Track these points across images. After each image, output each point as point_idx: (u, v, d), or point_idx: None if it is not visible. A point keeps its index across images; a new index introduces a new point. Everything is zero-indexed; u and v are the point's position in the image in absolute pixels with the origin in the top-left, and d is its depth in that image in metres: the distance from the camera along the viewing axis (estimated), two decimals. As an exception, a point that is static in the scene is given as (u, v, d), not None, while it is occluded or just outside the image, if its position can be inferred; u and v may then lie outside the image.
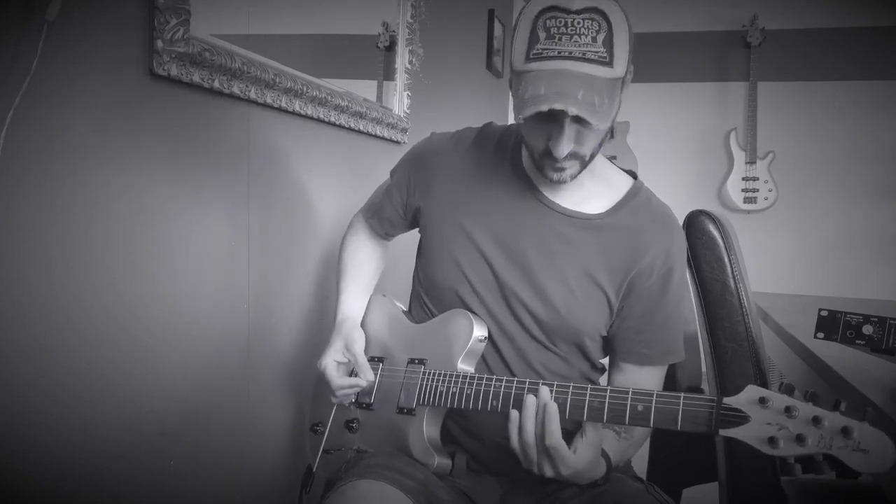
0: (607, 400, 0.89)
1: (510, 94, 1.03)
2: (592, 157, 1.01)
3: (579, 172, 1.02)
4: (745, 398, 0.80)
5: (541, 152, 0.99)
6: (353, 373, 1.14)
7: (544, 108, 0.89)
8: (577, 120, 0.92)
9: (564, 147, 0.95)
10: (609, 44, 0.91)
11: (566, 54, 0.90)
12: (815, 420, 0.75)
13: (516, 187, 1.09)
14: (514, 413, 0.92)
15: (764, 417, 0.78)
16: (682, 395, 0.85)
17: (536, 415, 0.91)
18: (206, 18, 1.15)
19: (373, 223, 1.26)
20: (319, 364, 1.14)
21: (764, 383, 1.17)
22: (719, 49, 3.69)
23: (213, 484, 1.31)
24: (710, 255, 1.18)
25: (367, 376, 1.12)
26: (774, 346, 1.55)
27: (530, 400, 0.91)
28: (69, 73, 0.94)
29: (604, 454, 0.98)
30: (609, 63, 0.91)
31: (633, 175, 1.13)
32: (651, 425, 0.86)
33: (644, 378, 1.10)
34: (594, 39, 0.90)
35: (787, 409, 0.77)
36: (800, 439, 0.75)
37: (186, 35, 1.08)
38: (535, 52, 0.92)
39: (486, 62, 3.00)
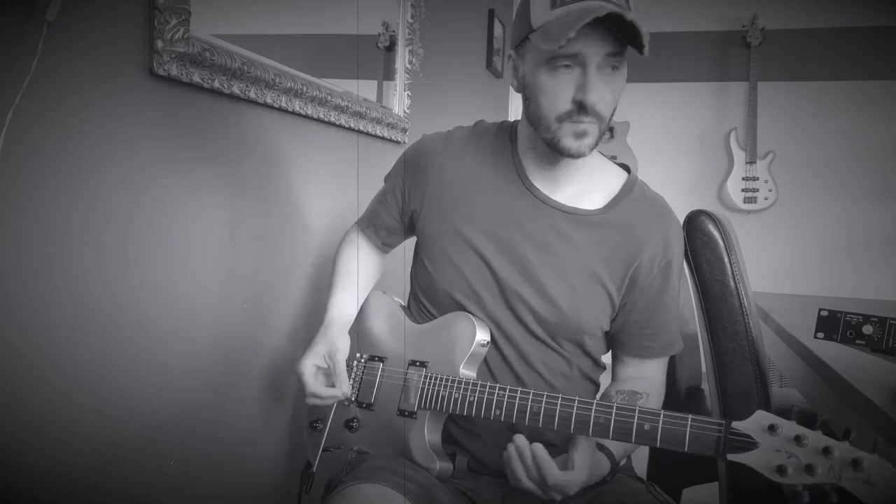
0: (613, 417, 0.88)
1: (514, 74, 1.03)
2: (606, 128, 0.99)
3: (596, 143, 0.99)
4: (754, 424, 0.79)
5: (565, 113, 0.96)
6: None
7: (602, 13, 0.87)
8: (604, 65, 0.93)
9: (597, 91, 0.93)
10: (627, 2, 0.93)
11: None
12: (826, 451, 0.74)
13: (512, 185, 1.09)
14: (506, 457, 0.92)
15: (773, 445, 0.78)
16: (690, 416, 0.84)
17: (529, 464, 0.91)
18: (206, 18, 1.15)
19: (369, 233, 1.25)
20: (298, 366, 1.10)
21: (764, 383, 1.17)
22: (719, 49, 3.69)
23: (213, 484, 1.31)
24: (710, 255, 1.18)
25: (343, 389, 1.08)
26: (774, 346, 1.55)
27: (513, 451, 0.91)
28: (69, 73, 0.94)
29: (606, 451, 0.99)
30: (628, 7, 0.92)
31: (627, 169, 1.13)
32: (658, 445, 0.85)
33: (649, 370, 1.11)
34: None
35: (797, 438, 0.76)
36: (809, 469, 0.75)
37: (186, 35, 1.08)
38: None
39: (486, 62, 2.99)
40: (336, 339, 1.12)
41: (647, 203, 1.09)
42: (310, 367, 1.10)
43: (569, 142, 0.97)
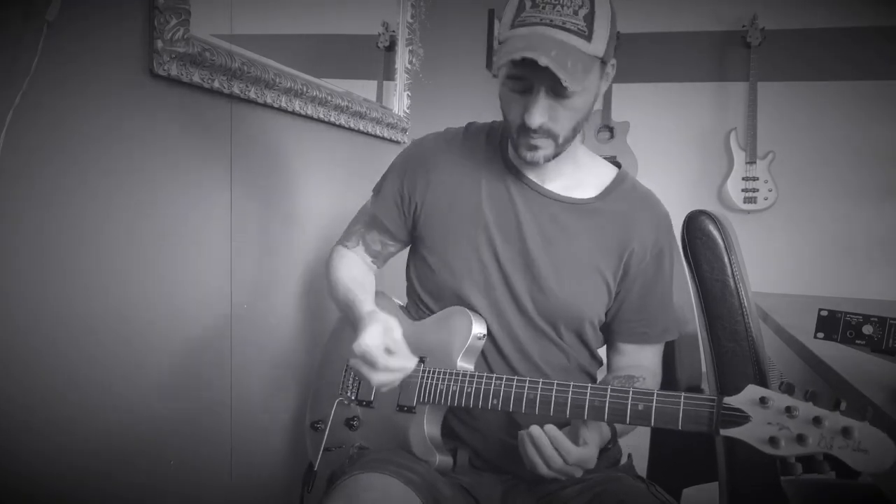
0: (608, 399, 0.90)
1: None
2: (567, 140, 1.03)
3: (554, 155, 1.04)
4: (746, 398, 0.80)
5: (517, 127, 1.02)
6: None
7: (517, 56, 0.92)
8: (552, 93, 0.96)
9: (537, 116, 0.98)
10: (590, 20, 0.95)
11: (547, 21, 0.94)
12: (816, 420, 0.75)
13: (508, 178, 1.12)
14: (522, 450, 0.93)
15: (764, 417, 0.79)
16: (683, 394, 0.85)
17: (548, 452, 0.91)
18: (206, 18, 1.15)
19: (358, 251, 1.21)
20: (358, 346, 0.94)
21: (764, 383, 1.17)
22: (719, 49, 3.68)
23: (214, 485, 1.31)
24: (710, 255, 1.18)
25: (411, 361, 0.98)
26: (774, 346, 1.54)
27: (527, 441, 0.92)
28: (69, 73, 0.94)
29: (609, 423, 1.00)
30: (587, 37, 0.95)
31: (617, 164, 1.17)
32: (652, 425, 0.87)
33: (646, 357, 1.13)
34: (575, 13, 0.95)
35: (788, 409, 0.77)
36: (800, 439, 0.75)
37: (186, 35, 1.08)
38: (519, 19, 0.96)
39: (486, 62, 2.99)
40: (388, 320, 0.98)
41: (638, 194, 1.14)
42: (372, 342, 0.95)
43: (524, 152, 1.04)
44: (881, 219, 3.51)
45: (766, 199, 3.59)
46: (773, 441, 0.77)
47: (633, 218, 1.10)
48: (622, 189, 1.13)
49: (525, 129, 1.00)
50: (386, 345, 0.96)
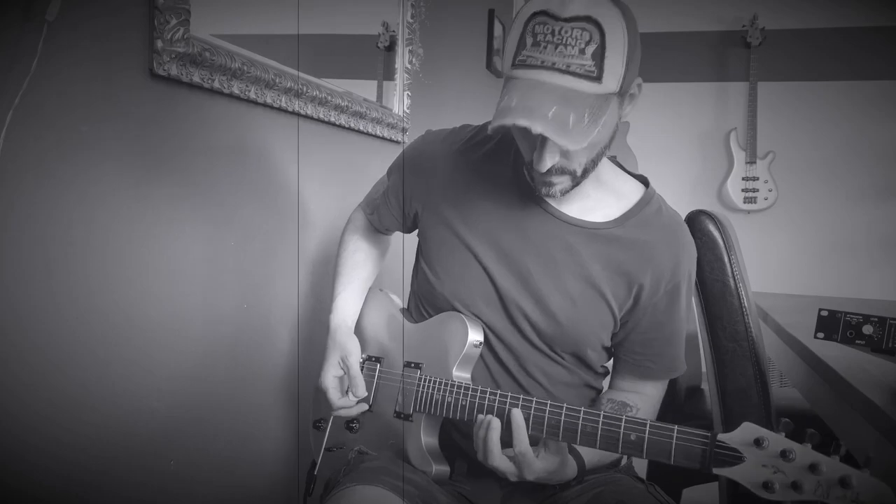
0: (600, 426, 0.87)
1: None
2: (587, 172, 0.97)
3: (572, 187, 0.98)
4: (741, 437, 0.77)
5: (528, 164, 0.96)
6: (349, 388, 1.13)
7: (508, 122, 0.85)
8: None
9: (547, 161, 0.92)
10: (599, 56, 0.85)
11: (549, 65, 0.85)
12: (813, 467, 0.72)
13: (517, 193, 1.06)
14: (478, 432, 0.94)
15: (759, 459, 0.76)
16: (676, 427, 0.82)
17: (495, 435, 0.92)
18: (206, 18, 1.15)
19: (373, 219, 1.25)
20: (320, 382, 1.11)
21: (764, 383, 1.17)
22: (719, 49, 3.69)
23: (214, 484, 1.31)
24: (710, 255, 1.18)
25: (358, 392, 1.10)
26: (774, 346, 1.55)
27: (485, 422, 0.93)
28: (69, 73, 0.94)
29: (575, 454, 0.98)
30: (597, 78, 0.85)
31: (645, 182, 1.09)
32: (644, 456, 0.84)
33: (647, 390, 1.09)
34: (582, 51, 0.85)
35: (784, 453, 0.74)
36: (796, 486, 0.73)
37: (186, 35, 1.08)
38: (520, 58, 0.88)
39: (486, 62, 2.99)
40: (346, 343, 1.12)
41: (662, 221, 1.06)
42: (331, 379, 1.11)
43: (539, 187, 0.99)
44: (881, 219, 3.51)
45: (766, 199, 3.59)
46: (767, 485, 0.74)
47: (651, 249, 1.02)
48: (644, 214, 1.04)
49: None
50: (342, 374, 1.12)
